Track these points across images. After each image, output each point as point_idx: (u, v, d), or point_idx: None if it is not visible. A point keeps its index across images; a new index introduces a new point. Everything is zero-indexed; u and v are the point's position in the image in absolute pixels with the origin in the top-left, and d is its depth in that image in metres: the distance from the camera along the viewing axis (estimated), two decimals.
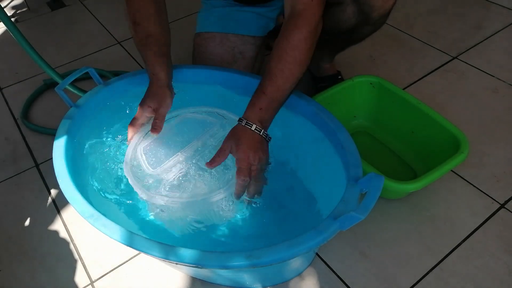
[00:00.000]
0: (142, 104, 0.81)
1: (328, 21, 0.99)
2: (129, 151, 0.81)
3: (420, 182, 0.84)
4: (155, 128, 0.80)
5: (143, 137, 0.83)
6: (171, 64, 0.85)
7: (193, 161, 0.80)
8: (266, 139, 0.76)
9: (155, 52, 0.82)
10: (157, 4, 0.84)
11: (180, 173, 0.79)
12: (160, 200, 0.74)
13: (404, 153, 1.04)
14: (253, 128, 0.74)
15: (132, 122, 0.82)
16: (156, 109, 0.81)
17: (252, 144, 0.73)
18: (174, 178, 0.78)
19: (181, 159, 0.80)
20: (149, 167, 0.79)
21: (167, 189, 0.77)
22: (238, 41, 1.05)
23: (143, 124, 0.84)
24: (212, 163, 0.74)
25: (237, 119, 0.77)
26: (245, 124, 0.74)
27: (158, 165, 0.79)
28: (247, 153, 0.73)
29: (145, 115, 0.82)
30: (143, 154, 0.81)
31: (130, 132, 0.82)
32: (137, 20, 0.82)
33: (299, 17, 0.75)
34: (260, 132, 0.74)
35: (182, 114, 0.88)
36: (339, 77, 1.19)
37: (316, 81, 1.22)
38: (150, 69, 0.82)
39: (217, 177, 0.79)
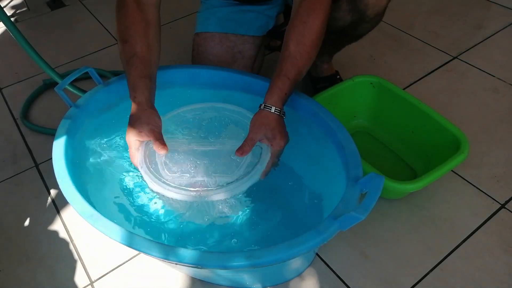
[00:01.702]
0: (129, 132, 0.76)
1: None
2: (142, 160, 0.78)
3: (420, 182, 0.84)
4: (161, 148, 0.75)
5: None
6: (155, 87, 0.81)
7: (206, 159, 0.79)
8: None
9: (138, 73, 0.78)
10: (148, 21, 0.81)
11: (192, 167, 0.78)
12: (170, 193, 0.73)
13: (404, 153, 1.04)
14: (281, 114, 0.76)
15: (132, 153, 0.77)
16: (149, 131, 0.76)
17: (284, 130, 0.77)
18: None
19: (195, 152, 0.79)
20: (166, 171, 0.76)
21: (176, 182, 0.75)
22: (237, 41, 1.05)
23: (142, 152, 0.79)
24: (241, 152, 0.74)
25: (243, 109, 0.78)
26: (274, 111, 0.75)
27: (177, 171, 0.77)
28: (284, 140, 0.76)
29: (138, 141, 0.77)
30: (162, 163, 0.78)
31: (135, 162, 0.78)
32: (125, 38, 0.79)
33: (316, 1, 0.76)
34: (284, 116, 0.78)
35: (186, 114, 0.87)
36: (338, 76, 1.19)
37: (314, 81, 1.22)
38: (131, 92, 0.78)
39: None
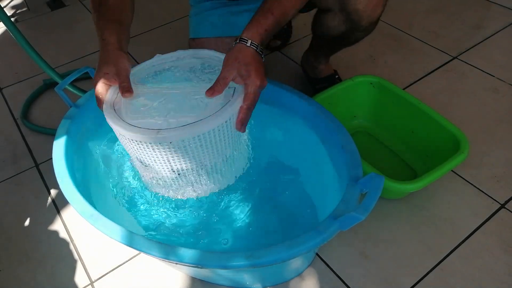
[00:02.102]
0: (96, 73, 0.71)
1: (319, 27, 0.99)
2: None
3: (420, 182, 0.84)
4: (126, 90, 0.69)
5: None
6: (126, 33, 0.76)
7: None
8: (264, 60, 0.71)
9: (107, 18, 0.74)
10: None
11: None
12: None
13: (404, 152, 1.05)
14: (258, 50, 0.69)
15: (98, 98, 0.71)
16: (115, 74, 0.70)
17: (260, 68, 0.69)
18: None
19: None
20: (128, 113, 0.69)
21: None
22: (233, 42, 1.05)
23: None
24: (212, 91, 0.66)
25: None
26: (250, 44, 0.68)
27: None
28: (260, 79, 0.68)
29: (105, 84, 0.71)
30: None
31: (101, 107, 0.71)
32: None
33: None
34: (263, 55, 0.70)
35: (161, 64, 0.79)
36: (337, 76, 1.19)
37: (313, 82, 1.21)
38: (99, 34, 0.73)
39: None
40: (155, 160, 0.70)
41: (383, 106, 1.06)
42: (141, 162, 0.73)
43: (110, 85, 0.72)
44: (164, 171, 0.72)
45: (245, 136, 0.77)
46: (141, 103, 0.70)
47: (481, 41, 1.41)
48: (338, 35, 0.97)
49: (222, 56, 0.74)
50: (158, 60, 0.80)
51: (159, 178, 0.74)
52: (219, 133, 0.67)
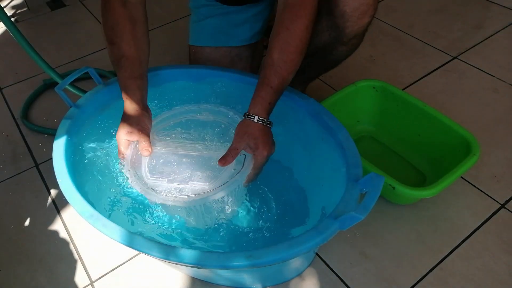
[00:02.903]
0: (120, 132, 0.78)
1: None
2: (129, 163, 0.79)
3: (435, 188, 0.83)
4: (145, 149, 0.77)
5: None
6: (146, 85, 0.82)
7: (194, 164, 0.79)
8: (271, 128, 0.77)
9: (128, 74, 0.79)
10: (134, 19, 0.80)
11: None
12: (156, 198, 0.73)
13: (411, 156, 1.04)
14: (265, 123, 0.74)
15: (120, 152, 0.79)
16: (137, 132, 0.78)
17: (268, 140, 0.75)
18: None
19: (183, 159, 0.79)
20: (148, 174, 0.77)
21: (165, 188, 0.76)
22: (232, 48, 1.04)
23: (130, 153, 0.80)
24: (224, 162, 0.73)
25: (236, 115, 0.77)
26: (258, 120, 0.74)
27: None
28: (267, 150, 0.74)
29: (127, 141, 0.78)
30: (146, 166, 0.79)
31: (122, 160, 0.79)
32: (112, 39, 0.79)
33: (299, 7, 0.74)
34: (270, 125, 0.76)
35: (180, 116, 0.87)
36: None
37: None
38: (123, 93, 0.79)
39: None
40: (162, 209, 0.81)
41: (387, 110, 1.05)
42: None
43: (131, 142, 0.79)
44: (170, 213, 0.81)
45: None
46: (161, 167, 0.78)
47: (481, 41, 1.41)
48: (320, 46, 0.94)
49: (234, 115, 0.84)
50: (176, 112, 0.87)
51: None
52: (228, 196, 0.75)
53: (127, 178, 0.76)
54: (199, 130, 0.84)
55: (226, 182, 0.73)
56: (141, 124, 0.78)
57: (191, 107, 0.88)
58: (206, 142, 0.81)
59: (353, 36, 0.90)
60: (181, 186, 0.74)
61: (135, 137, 0.78)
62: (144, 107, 0.80)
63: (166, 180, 0.75)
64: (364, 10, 0.85)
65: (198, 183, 0.74)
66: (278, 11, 0.77)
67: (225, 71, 0.93)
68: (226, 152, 0.74)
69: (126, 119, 0.78)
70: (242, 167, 0.75)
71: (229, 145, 0.75)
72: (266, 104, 0.74)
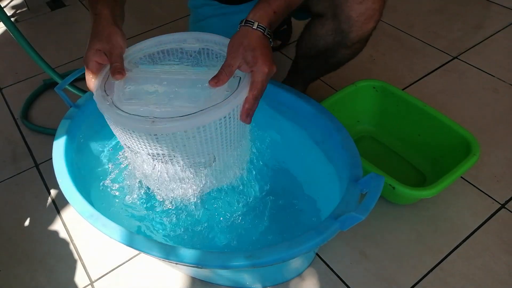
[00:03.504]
0: (88, 51, 0.65)
1: (306, 37, 0.95)
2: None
3: (435, 188, 0.83)
4: (118, 71, 0.64)
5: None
6: (122, 7, 0.72)
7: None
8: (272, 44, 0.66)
9: None
10: None
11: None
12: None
13: (411, 156, 1.04)
14: (265, 33, 0.63)
15: (88, 77, 0.67)
16: (108, 51, 0.66)
17: (268, 53, 0.63)
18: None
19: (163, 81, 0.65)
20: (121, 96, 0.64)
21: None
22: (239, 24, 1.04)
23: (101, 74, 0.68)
24: (216, 81, 0.61)
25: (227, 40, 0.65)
26: (257, 27, 0.63)
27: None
28: (268, 65, 0.62)
29: (96, 63, 0.66)
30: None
31: (91, 87, 0.67)
32: None
33: None
34: (271, 39, 0.65)
35: (161, 45, 0.73)
36: None
37: None
38: (91, 8, 0.68)
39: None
40: (145, 149, 0.64)
41: (387, 110, 1.05)
42: (131, 150, 0.68)
43: (102, 64, 0.67)
44: (154, 159, 0.67)
45: (249, 127, 0.73)
46: (136, 87, 0.65)
47: (481, 41, 1.41)
48: (323, 49, 0.93)
49: (227, 41, 0.68)
50: (157, 41, 0.73)
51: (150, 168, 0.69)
52: (221, 126, 0.62)
53: (99, 106, 0.64)
54: (184, 56, 0.72)
55: (220, 103, 0.60)
56: (112, 41, 0.66)
57: (174, 37, 0.74)
58: (192, 66, 0.69)
59: (357, 40, 0.89)
60: (164, 110, 0.60)
61: (106, 58, 0.66)
62: (115, 23, 0.68)
63: (144, 103, 0.62)
64: (370, 15, 0.84)
65: (185, 104, 0.61)
66: None
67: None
68: (219, 71, 0.62)
69: (94, 36, 0.66)
70: (237, 87, 0.62)
71: (220, 64, 0.63)
72: (270, 11, 0.64)
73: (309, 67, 1.02)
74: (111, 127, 0.68)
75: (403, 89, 1.20)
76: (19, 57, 1.46)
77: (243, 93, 0.62)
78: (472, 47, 1.39)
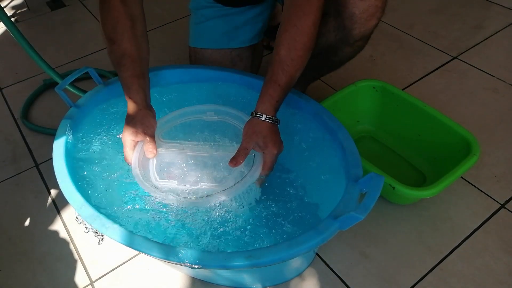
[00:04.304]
0: (125, 132, 0.78)
1: None
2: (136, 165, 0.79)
3: (435, 188, 0.83)
4: (150, 150, 0.77)
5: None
6: (148, 84, 0.82)
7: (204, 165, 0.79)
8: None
9: (130, 73, 0.78)
10: (133, 17, 0.79)
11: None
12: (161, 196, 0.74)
13: (411, 156, 1.04)
14: (273, 122, 0.75)
15: (126, 153, 0.79)
16: (142, 132, 0.78)
17: (277, 138, 0.75)
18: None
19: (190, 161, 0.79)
20: (156, 176, 0.77)
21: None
22: (234, 49, 1.04)
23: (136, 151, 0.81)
24: (235, 162, 0.73)
25: (242, 115, 0.78)
26: (266, 119, 0.74)
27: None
28: (276, 148, 0.75)
29: (133, 141, 0.79)
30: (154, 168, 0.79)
31: (129, 162, 0.80)
32: (112, 37, 0.78)
33: (306, 4, 0.74)
34: (278, 123, 0.76)
35: (184, 117, 0.87)
36: None
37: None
38: (125, 93, 0.79)
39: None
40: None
41: (387, 110, 1.05)
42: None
43: (137, 141, 0.79)
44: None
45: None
46: (169, 168, 0.77)
47: (481, 41, 1.41)
48: (325, 46, 0.94)
49: (240, 114, 0.83)
50: (181, 113, 0.87)
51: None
52: (239, 197, 0.76)
53: (137, 181, 0.76)
54: (205, 130, 0.84)
55: (237, 182, 0.73)
56: (145, 123, 0.78)
57: (195, 108, 0.87)
58: (212, 143, 0.82)
59: (359, 38, 0.90)
60: (191, 188, 0.74)
61: (140, 137, 0.77)
62: (147, 106, 0.80)
63: (176, 182, 0.75)
64: (372, 12, 0.85)
65: (209, 183, 0.74)
66: (285, 8, 0.77)
67: (226, 71, 0.93)
68: (236, 153, 0.74)
69: (130, 119, 0.78)
70: (253, 166, 0.75)
71: (236, 144, 0.75)
72: (273, 102, 0.74)
73: (310, 66, 1.02)
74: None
75: (403, 89, 1.20)
76: (19, 57, 1.46)
77: (257, 172, 0.75)
78: (472, 47, 1.39)
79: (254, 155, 0.76)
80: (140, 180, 0.75)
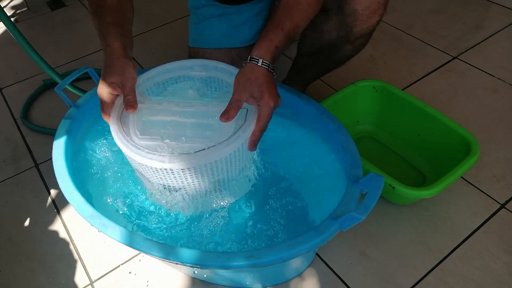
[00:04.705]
0: (101, 84, 0.68)
1: (310, 32, 0.95)
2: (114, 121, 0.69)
3: (435, 188, 0.83)
4: (130, 105, 0.67)
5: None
6: (129, 38, 0.75)
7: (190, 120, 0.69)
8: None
9: (108, 21, 0.71)
10: None
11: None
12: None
13: (410, 156, 1.04)
14: (270, 69, 0.67)
15: (103, 109, 0.70)
16: (121, 84, 0.68)
17: (273, 89, 0.67)
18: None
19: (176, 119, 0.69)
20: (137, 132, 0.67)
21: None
22: (233, 48, 1.04)
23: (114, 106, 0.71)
24: (227, 116, 0.65)
25: (232, 68, 0.69)
26: (262, 64, 0.66)
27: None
28: (273, 100, 0.66)
29: (110, 95, 0.69)
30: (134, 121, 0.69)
31: (107, 119, 0.70)
32: (97, 8, 0.72)
33: None
34: (275, 73, 0.68)
35: (169, 73, 0.78)
36: None
37: None
38: (102, 41, 0.71)
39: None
40: (158, 179, 0.68)
41: (387, 110, 1.05)
42: (145, 177, 0.72)
43: (116, 95, 0.70)
44: (167, 188, 0.71)
45: (255, 153, 0.76)
46: (149, 121, 0.68)
47: (481, 41, 1.41)
48: (326, 44, 0.93)
49: (230, 68, 0.73)
50: (164, 69, 0.78)
51: (160, 192, 0.73)
52: (230, 158, 0.66)
53: (116, 140, 0.67)
54: (192, 86, 0.76)
55: (229, 138, 0.64)
56: (124, 74, 0.69)
57: (180, 63, 0.78)
58: (201, 97, 0.74)
59: (361, 35, 0.90)
60: (177, 145, 0.65)
61: (119, 90, 0.69)
62: (127, 56, 0.71)
63: (160, 139, 0.66)
64: (374, 8, 0.84)
65: (197, 139, 0.65)
66: None
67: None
68: (228, 106, 0.66)
69: (107, 70, 0.69)
70: (245, 121, 0.66)
71: (228, 98, 0.67)
72: (272, 47, 0.67)
73: (311, 65, 1.02)
74: (127, 157, 0.70)
75: (403, 89, 1.20)
76: (19, 57, 1.46)
77: (251, 128, 0.66)
78: (472, 47, 1.39)
79: (247, 110, 0.68)
80: (120, 137, 0.66)
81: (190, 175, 0.66)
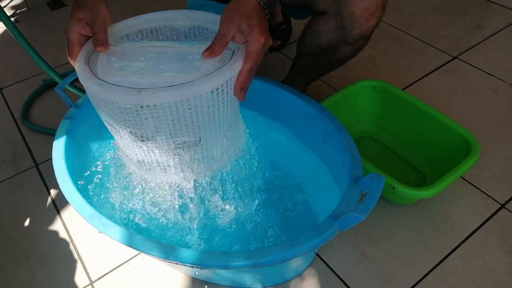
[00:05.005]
0: (69, 21, 0.61)
1: (308, 34, 0.95)
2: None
3: (435, 188, 0.83)
4: (100, 43, 0.59)
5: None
6: None
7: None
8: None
9: None
10: None
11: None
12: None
13: (411, 156, 1.04)
14: (261, 3, 0.60)
15: (70, 51, 0.61)
16: (91, 21, 0.61)
17: (264, 23, 0.60)
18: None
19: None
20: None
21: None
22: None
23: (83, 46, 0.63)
24: (210, 52, 0.57)
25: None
26: None
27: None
28: (264, 36, 0.59)
29: (78, 34, 0.61)
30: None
31: (73, 62, 0.62)
32: None
33: None
34: (266, 10, 0.62)
35: (149, 23, 0.69)
36: None
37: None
38: None
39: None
40: (129, 126, 0.59)
41: (387, 110, 1.05)
42: (114, 131, 0.63)
43: (84, 35, 0.62)
44: (137, 140, 0.62)
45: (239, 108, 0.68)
46: (122, 61, 0.60)
47: (481, 41, 1.41)
48: (325, 46, 0.93)
49: (217, 17, 0.63)
50: (145, 19, 0.69)
51: (132, 143, 0.64)
52: (213, 99, 0.57)
53: (81, 79, 0.58)
54: (174, 34, 0.68)
55: (212, 72, 0.55)
56: (95, 10, 0.61)
57: (162, 14, 0.69)
58: (185, 42, 0.65)
59: (360, 37, 0.89)
60: (152, 80, 0.56)
61: (88, 29, 0.61)
62: None
63: (131, 74, 0.57)
64: (373, 11, 0.84)
65: (175, 74, 0.57)
66: None
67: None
68: (213, 41, 0.58)
69: (76, 6, 0.61)
70: (231, 59, 0.57)
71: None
72: None
73: (310, 66, 1.02)
74: (93, 102, 0.62)
75: (403, 89, 1.20)
76: (19, 57, 1.46)
77: (238, 65, 0.58)
78: (472, 47, 1.39)
79: (233, 50, 0.60)
80: (85, 75, 0.57)
81: (165, 116, 0.56)
